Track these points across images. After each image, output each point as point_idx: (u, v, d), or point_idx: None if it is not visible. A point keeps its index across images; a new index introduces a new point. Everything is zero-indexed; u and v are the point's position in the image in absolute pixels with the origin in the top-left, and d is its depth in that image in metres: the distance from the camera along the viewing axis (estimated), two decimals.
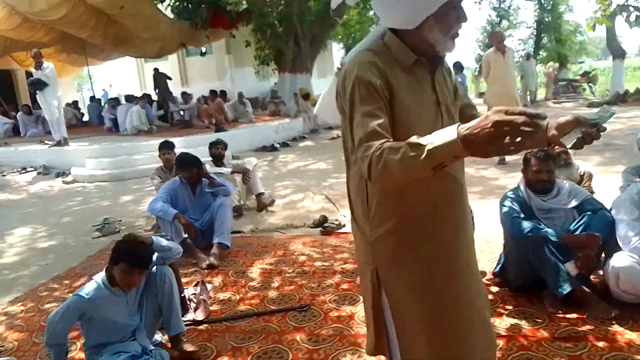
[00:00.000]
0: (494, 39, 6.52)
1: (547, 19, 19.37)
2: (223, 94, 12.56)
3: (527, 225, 2.75)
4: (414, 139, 1.18)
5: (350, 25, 19.79)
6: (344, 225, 4.57)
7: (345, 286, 3.28)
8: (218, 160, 5.49)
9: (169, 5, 12.79)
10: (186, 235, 3.99)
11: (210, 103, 11.71)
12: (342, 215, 4.86)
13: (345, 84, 1.39)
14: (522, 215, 2.83)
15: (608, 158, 6.42)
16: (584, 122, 1.36)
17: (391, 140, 1.27)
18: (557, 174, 3.07)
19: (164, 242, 2.66)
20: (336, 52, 23.90)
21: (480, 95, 14.85)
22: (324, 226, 4.54)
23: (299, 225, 4.80)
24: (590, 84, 15.11)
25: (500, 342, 2.40)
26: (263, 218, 5.19)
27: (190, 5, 12.78)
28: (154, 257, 2.57)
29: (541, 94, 15.55)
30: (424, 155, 1.14)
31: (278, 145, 10.43)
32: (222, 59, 17.51)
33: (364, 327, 2.69)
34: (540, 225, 2.78)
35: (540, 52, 19.37)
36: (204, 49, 15.53)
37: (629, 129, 8.33)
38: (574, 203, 2.88)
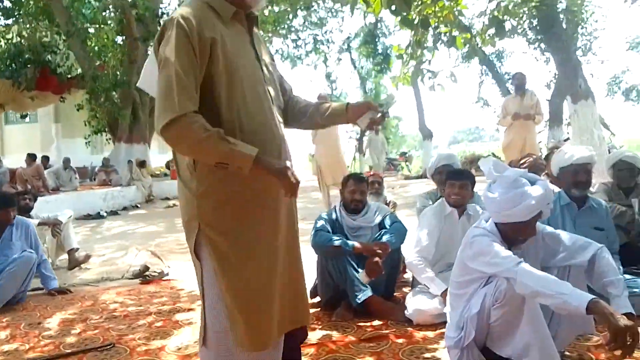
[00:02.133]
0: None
1: None
2: (45, 158, 11.43)
3: (328, 237, 2.95)
4: (221, 132, 1.41)
5: None
6: (167, 274, 4.30)
7: (159, 324, 3.02)
8: (25, 212, 4.84)
9: None
10: None
11: (27, 167, 10.50)
12: (167, 267, 4.58)
13: (166, 28, 1.48)
14: (329, 231, 3.01)
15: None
16: (374, 107, 1.73)
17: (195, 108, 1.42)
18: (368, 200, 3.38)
19: None
20: None
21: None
22: (144, 275, 4.21)
23: (116, 277, 4.38)
24: (407, 163, 17.27)
25: (311, 350, 2.41)
26: (74, 275, 4.63)
27: (14, 65, 11.69)
28: None
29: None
30: (222, 147, 1.40)
31: (105, 214, 9.64)
32: (49, 127, 16.08)
33: (174, 356, 2.48)
34: (347, 240, 2.97)
35: (366, 134, 21.71)
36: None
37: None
38: (378, 219, 3.16)
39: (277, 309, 1.58)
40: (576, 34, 12.11)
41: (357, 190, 3.15)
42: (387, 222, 3.12)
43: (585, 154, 2.76)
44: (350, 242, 2.91)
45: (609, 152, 6.52)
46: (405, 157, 17.48)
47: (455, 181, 2.88)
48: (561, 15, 10.50)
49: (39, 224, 4.74)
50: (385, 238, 2.97)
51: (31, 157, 10.92)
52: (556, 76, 13.09)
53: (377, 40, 19.63)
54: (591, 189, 3.36)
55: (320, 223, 3.06)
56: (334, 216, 3.15)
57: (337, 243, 2.89)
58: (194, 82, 1.43)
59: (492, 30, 5.97)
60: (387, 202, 4.03)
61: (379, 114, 1.74)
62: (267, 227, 1.58)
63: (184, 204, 1.58)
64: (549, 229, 2.17)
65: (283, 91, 1.79)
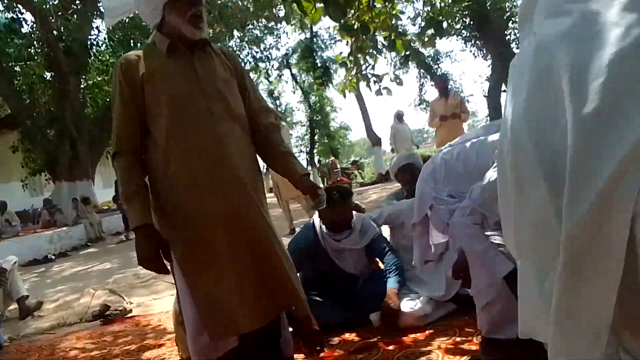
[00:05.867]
0: None
1: (316, 118, 22.06)
2: None
3: None
4: (134, 188, 1.64)
5: None
6: (130, 311, 4.02)
7: None
8: None
9: None
10: None
11: None
12: (129, 303, 4.29)
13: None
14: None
15: None
16: (309, 193, 1.91)
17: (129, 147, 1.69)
18: None
19: None
20: None
21: None
22: (105, 315, 3.91)
23: (74, 321, 4.05)
24: (359, 171, 17.41)
25: None
26: (27, 324, 4.24)
27: None
28: None
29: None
30: (124, 199, 1.66)
31: (53, 257, 9.04)
32: None
33: None
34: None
35: (316, 147, 21.78)
36: None
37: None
38: (365, 241, 2.81)
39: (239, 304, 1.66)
40: (508, 28, 12.59)
41: (341, 209, 2.69)
42: (378, 247, 2.80)
43: None
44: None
45: None
46: (358, 165, 17.64)
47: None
48: (492, 12, 10.97)
49: None
50: (391, 284, 2.64)
51: None
52: (492, 70, 13.62)
53: (315, 54, 19.83)
54: None
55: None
56: (312, 237, 2.71)
57: None
58: (130, 120, 1.66)
59: (431, 31, 6.08)
60: (356, 206, 3.94)
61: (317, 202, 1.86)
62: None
63: None
64: None
65: (258, 112, 1.91)
